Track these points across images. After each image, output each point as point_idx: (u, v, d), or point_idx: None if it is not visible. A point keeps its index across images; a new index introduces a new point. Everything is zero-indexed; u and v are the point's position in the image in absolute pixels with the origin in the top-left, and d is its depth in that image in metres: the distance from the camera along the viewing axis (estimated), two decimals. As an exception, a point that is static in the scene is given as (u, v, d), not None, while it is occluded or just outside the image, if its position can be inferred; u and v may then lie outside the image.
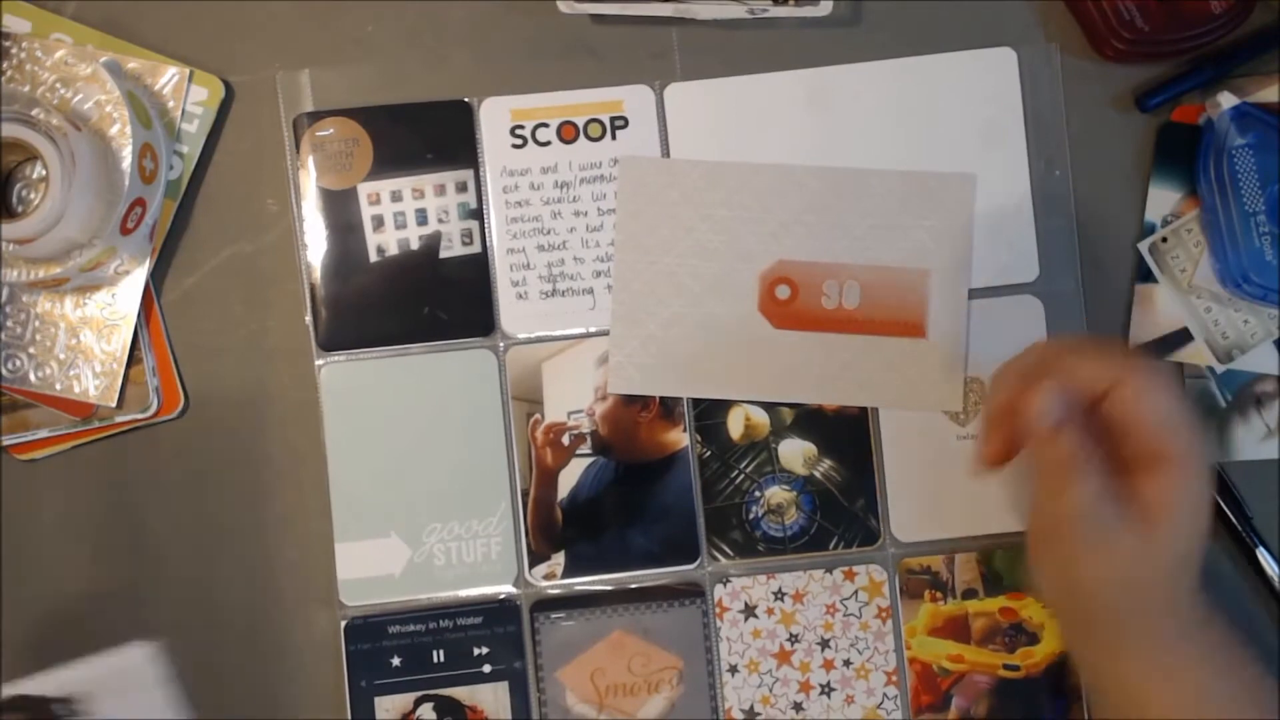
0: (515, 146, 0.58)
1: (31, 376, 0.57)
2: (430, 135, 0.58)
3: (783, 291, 0.57)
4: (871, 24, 0.58)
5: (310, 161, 0.57)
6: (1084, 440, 0.45)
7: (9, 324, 0.57)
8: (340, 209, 0.57)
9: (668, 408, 0.57)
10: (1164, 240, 0.57)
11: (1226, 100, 0.55)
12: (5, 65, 0.55)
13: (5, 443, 0.57)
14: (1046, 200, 0.57)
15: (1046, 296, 0.57)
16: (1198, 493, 0.45)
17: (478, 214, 0.58)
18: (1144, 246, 0.57)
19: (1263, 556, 0.56)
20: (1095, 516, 0.45)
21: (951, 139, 0.57)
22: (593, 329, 0.58)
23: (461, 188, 0.58)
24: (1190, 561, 0.46)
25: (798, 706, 0.57)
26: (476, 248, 0.58)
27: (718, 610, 0.57)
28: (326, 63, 0.58)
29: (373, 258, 0.58)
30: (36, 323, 0.57)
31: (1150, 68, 0.57)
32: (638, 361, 0.57)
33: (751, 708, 0.57)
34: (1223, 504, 0.56)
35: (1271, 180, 0.54)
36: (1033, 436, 0.46)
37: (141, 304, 0.57)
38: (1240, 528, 0.56)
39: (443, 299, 0.58)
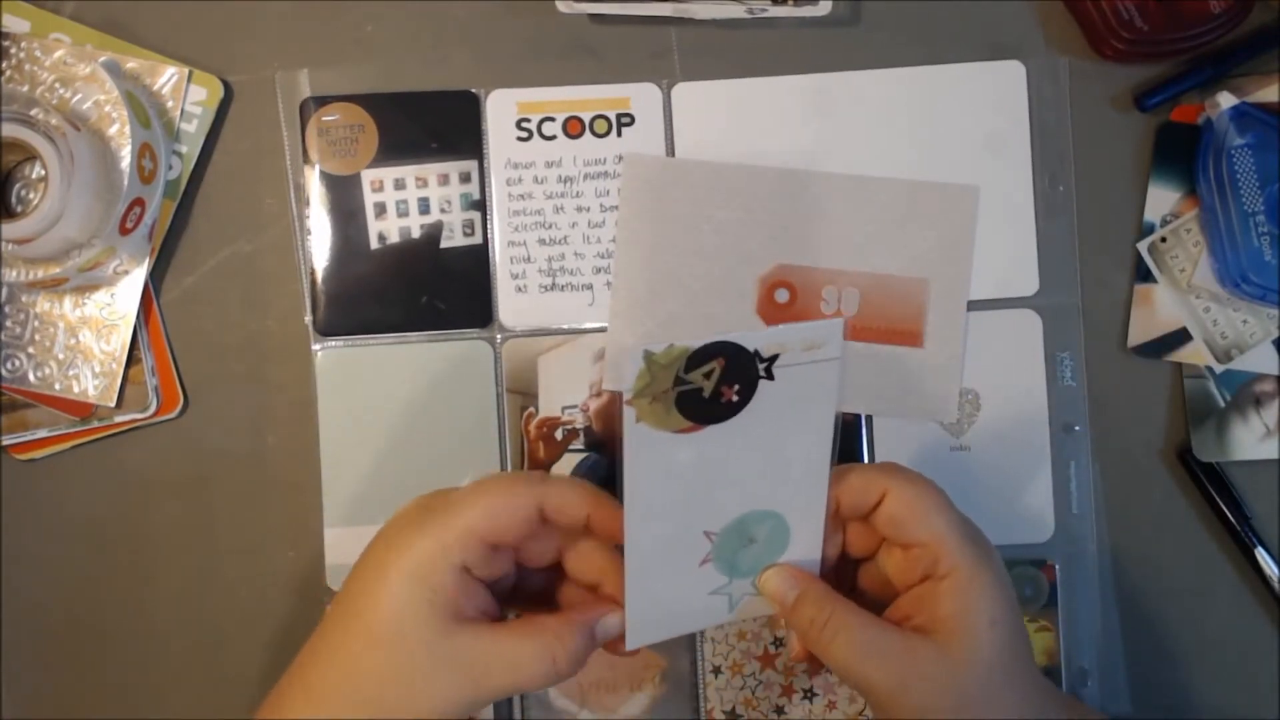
0: (520, 139, 0.58)
1: (30, 376, 0.57)
2: (436, 125, 0.58)
3: (781, 295, 0.57)
4: (870, 24, 0.58)
5: (315, 146, 0.57)
6: (824, 601, 0.44)
7: (8, 324, 0.57)
8: (343, 194, 0.57)
9: (662, 406, 0.57)
10: (1163, 240, 0.57)
11: (1225, 100, 0.55)
12: (4, 65, 0.55)
13: (5, 443, 0.57)
14: (1049, 214, 0.57)
15: (1045, 311, 0.57)
16: (983, 600, 0.43)
17: (480, 205, 0.58)
18: (1143, 246, 0.57)
19: (1261, 556, 0.56)
20: (868, 659, 0.43)
21: (956, 149, 0.57)
22: (590, 325, 0.58)
23: (465, 178, 0.58)
24: (1013, 664, 0.44)
25: (779, 710, 0.57)
26: (477, 239, 0.58)
27: None
28: (325, 63, 0.58)
29: (373, 245, 0.58)
30: (35, 323, 0.57)
31: (1149, 67, 0.57)
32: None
33: (734, 709, 0.57)
34: (1222, 504, 0.56)
35: (1270, 180, 0.54)
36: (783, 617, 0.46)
37: (140, 304, 0.57)
38: (1239, 528, 0.56)
39: (442, 289, 0.58)
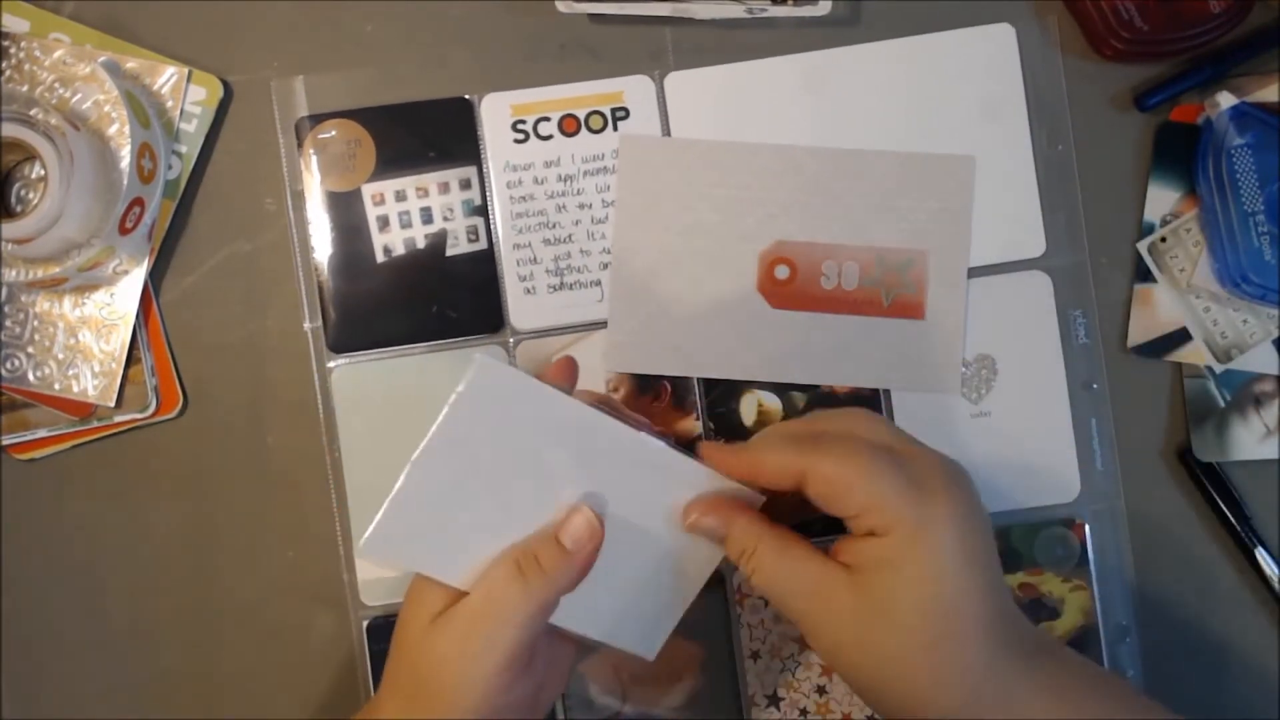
0: (517, 141, 0.58)
1: (30, 376, 0.57)
2: (432, 133, 0.58)
3: (781, 272, 0.57)
4: (870, 23, 0.58)
5: (314, 164, 0.57)
6: (748, 532, 0.45)
7: (8, 324, 0.57)
8: (345, 211, 0.57)
9: (679, 396, 0.57)
10: (1163, 240, 0.57)
11: (1225, 100, 0.55)
12: (4, 65, 0.55)
13: (5, 443, 0.57)
14: (1050, 174, 0.57)
15: (1054, 271, 0.57)
16: (919, 556, 0.42)
17: (482, 210, 0.58)
18: (1143, 246, 0.57)
19: (1261, 557, 0.56)
20: (784, 588, 0.44)
21: (952, 117, 0.57)
22: (601, 320, 0.58)
23: (465, 185, 0.58)
24: (946, 626, 0.42)
25: (821, 690, 0.57)
26: (483, 244, 0.58)
27: (738, 597, 0.57)
28: (324, 62, 0.58)
29: (379, 258, 0.58)
30: (35, 322, 0.57)
31: (1149, 67, 0.57)
32: (636, 341, 0.57)
33: (775, 693, 0.57)
34: (1222, 504, 0.56)
35: (1270, 180, 0.54)
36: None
37: (140, 303, 0.57)
38: (1239, 528, 0.56)
39: (451, 297, 0.58)
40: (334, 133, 0.57)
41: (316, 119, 0.57)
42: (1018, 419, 0.57)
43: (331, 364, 0.57)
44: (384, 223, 0.58)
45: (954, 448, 0.56)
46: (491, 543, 0.45)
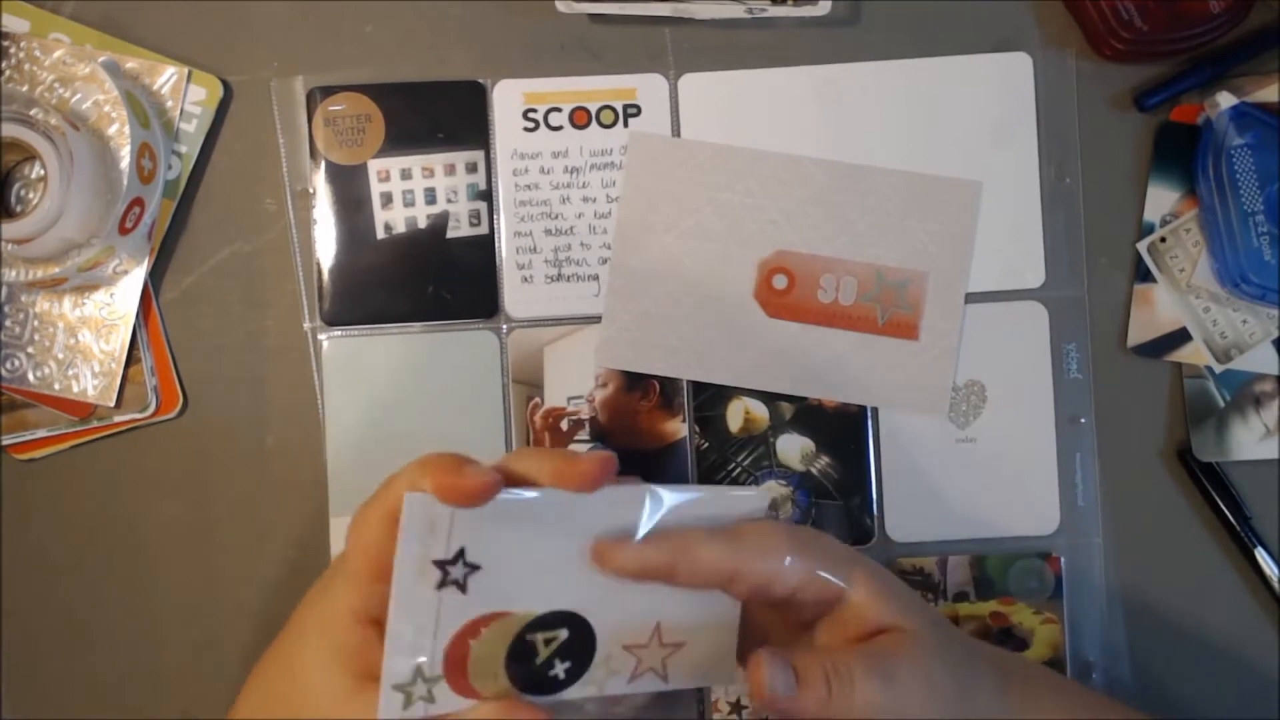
0: (527, 130, 0.58)
1: (30, 376, 0.57)
2: (442, 115, 0.58)
3: (780, 281, 0.57)
4: (870, 24, 0.58)
5: (321, 136, 0.57)
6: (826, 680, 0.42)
7: (7, 324, 0.57)
8: (350, 184, 0.57)
9: (667, 397, 0.57)
10: (1162, 240, 0.57)
11: (1225, 100, 0.55)
12: (4, 65, 0.55)
13: (5, 443, 0.57)
14: (1055, 207, 0.57)
15: (1051, 303, 0.57)
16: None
17: (486, 195, 0.58)
18: (1142, 246, 0.57)
19: (1261, 557, 0.56)
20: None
21: (962, 141, 0.57)
22: (596, 315, 0.58)
23: (471, 168, 0.58)
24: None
25: None
26: (484, 229, 0.58)
27: None
28: (324, 62, 0.58)
29: (380, 235, 0.58)
30: (35, 322, 0.57)
31: (1149, 67, 0.57)
32: (629, 337, 0.57)
33: (739, 700, 0.57)
34: (1222, 504, 0.56)
35: (1270, 180, 0.54)
36: None
37: (140, 303, 0.57)
38: (1239, 528, 0.56)
39: (448, 279, 0.58)
40: (344, 106, 0.57)
41: (328, 90, 0.57)
42: (1003, 447, 0.57)
43: (323, 336, 0.57)
44: (387, 199, 0.58)
45: (937, 471, 0.57)
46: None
